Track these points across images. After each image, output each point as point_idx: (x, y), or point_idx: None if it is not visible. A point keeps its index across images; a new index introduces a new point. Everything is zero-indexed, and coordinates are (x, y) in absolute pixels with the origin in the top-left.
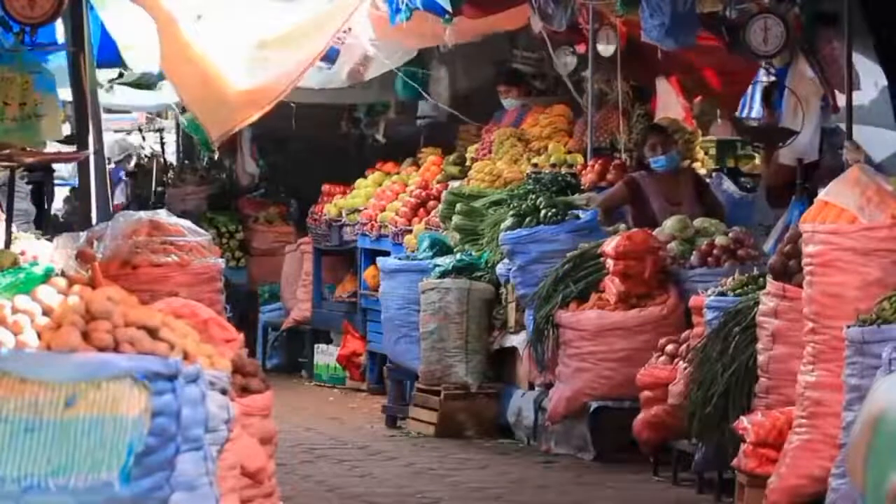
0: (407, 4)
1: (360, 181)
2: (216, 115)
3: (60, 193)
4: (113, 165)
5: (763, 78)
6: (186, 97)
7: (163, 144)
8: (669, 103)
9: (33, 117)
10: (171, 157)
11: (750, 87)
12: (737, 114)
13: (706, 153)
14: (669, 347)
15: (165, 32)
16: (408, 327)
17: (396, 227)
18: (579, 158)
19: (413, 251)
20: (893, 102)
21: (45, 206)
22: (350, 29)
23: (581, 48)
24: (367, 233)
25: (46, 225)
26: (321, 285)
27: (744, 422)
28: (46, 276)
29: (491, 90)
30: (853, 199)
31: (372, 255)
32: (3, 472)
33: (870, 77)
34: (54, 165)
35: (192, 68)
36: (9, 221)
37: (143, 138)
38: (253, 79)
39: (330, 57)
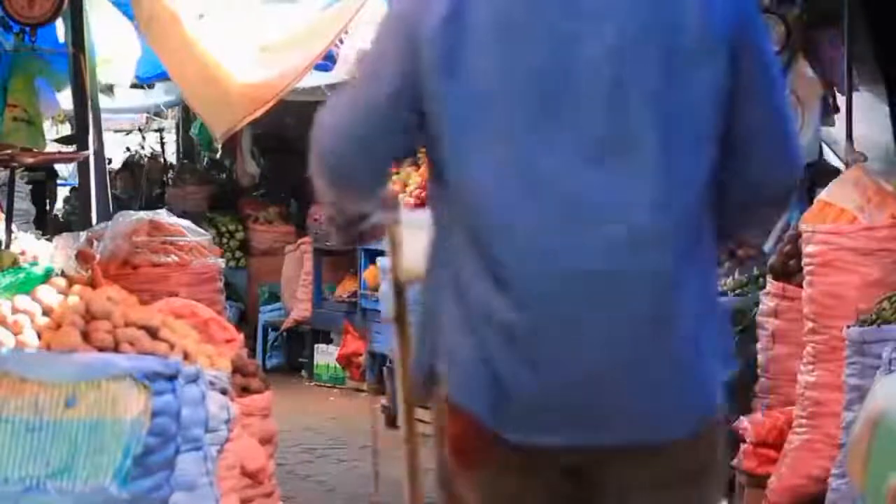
0: None
1: None
2: (219, 112)
3: (60, 193)
4: None
5: None
6: (189, 95)
7: (163, 144)
8: None
9: (34, 118)
10: (171, 157)
11: None
12: None
13: None
14: None
15: (169, 31)
16: None
17: None
18: None
19: None
20: (891, 105)
21: (47, 207)
22: (348, 33)
23: None
24: None
25: (47, 225)
26: (321, 285)
27: (744, 422)
28: (46, 276)
29: None
30: (853, 199)
31: (372, 255)
32: (3, 472)
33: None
34: (55, 165)
35: (196, 66)
36: (9, 221)
37: (143, 138)
38: (255, 75)
39: (330, 56)
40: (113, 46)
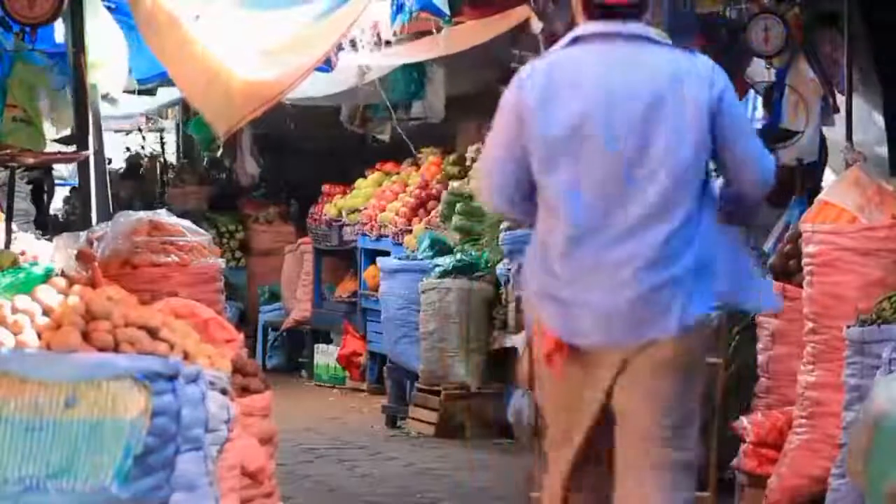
0: (407, 6)
1: (360, 181)
2: (222, 109)
3: (60, 193)
4: None
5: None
6: (191, 95)
7: (163, 144)
8: None
9: (34, 118)
10: (171, 157)
11: (752, 89)
12: None
13: None
14: None
15: (169, 31)
16: (408, 327)
17: (396, 227)
18: None
19: (413, 251)
20: (886, 104)
21: (45, 206)
22: (350, 40)
23: None
24: (367, 233)
25: (46, 224)
26: (321, 285)
27: (744, 422)
28: (46, 276)
29: (491, 90)
30: (853, 199)
31: (372, 255)
32: (3, 472)
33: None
34: (54, 165)
35: (196, 65)
36: (9, 221)
37: (144, 138)
38: (257, 73)
39: (329, 60)
40: (102, 51)
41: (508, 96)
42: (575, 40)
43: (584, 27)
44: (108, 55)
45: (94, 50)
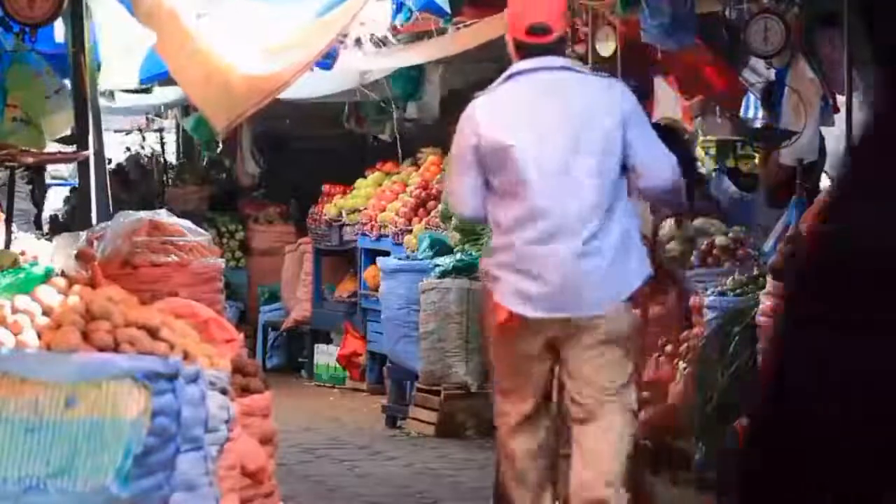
0: (407, 5)
1: (360, 181)
2: (221, 104)
3: (60, 193)
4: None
5: (755, 78)
6: (190, 91)
7: (163, 144)
8: (668, 103)
9: (34, 118)
10: (171, 157)
11: (749, 90)
12: (741, 114)
13: (706, 153)
14: (669, 347)
15: (169, 27)
16: (408, 327)
17: (396, 227)
18: None
19: (413, 251)
20: None
21: (38, 205)
22: (346, 37)
23: (580, 48)
24: (367, 233)
25: (39, 223)
26: (321, 285)
27: (744, 422)
28: (46, 276)
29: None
30: None
31: (372, 255)
32: (3, 472)
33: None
34: (55, 165)
35: (196, 60)
36: (9, 221)
37: (143, 138)
38: (258, 67)
39: (331, 55)
40: (119, 46)
41: (462, 123)
42: (510, 77)
43: (517, 65)
44: (118, 51)
45: (105, 46)
